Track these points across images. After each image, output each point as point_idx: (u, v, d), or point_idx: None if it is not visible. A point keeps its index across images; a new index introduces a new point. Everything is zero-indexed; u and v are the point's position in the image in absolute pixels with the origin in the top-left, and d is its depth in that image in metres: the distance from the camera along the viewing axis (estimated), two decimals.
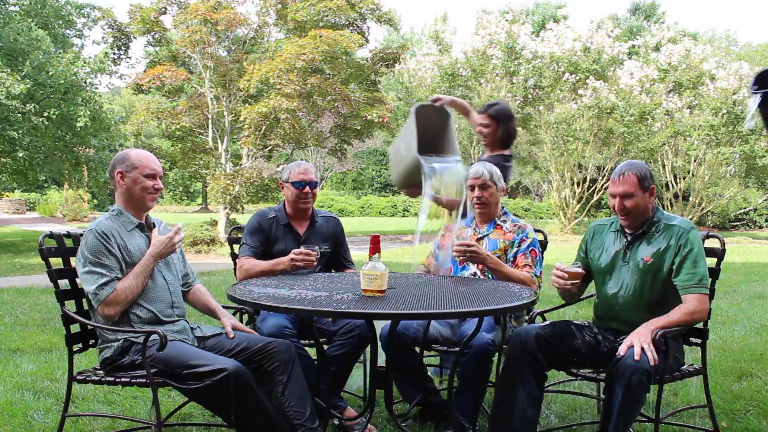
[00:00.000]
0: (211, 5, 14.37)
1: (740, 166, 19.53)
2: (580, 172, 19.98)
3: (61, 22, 15.55)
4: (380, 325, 2.98)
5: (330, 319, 3.06)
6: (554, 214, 21.94)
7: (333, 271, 3.44)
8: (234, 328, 2.74)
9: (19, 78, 11.94)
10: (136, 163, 2.65)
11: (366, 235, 14.89)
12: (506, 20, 18.76)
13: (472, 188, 3.23)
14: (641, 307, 2.71)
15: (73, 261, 2.76)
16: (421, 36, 36.00)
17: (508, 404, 2.62)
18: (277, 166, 18.04)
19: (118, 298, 2.51)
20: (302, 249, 3.10)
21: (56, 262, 2.68)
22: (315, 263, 3.11)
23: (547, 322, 2.86)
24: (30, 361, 4.27)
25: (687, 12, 79.93)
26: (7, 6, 14.62)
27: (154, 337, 2.43)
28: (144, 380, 2.45)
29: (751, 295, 7.65)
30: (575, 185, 19.75)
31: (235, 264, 3.48)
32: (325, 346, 2.98)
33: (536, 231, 3.35)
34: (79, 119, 12.77)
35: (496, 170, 3.25)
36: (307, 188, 3.30)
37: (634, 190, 2.67)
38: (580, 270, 2.78)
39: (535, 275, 3.12)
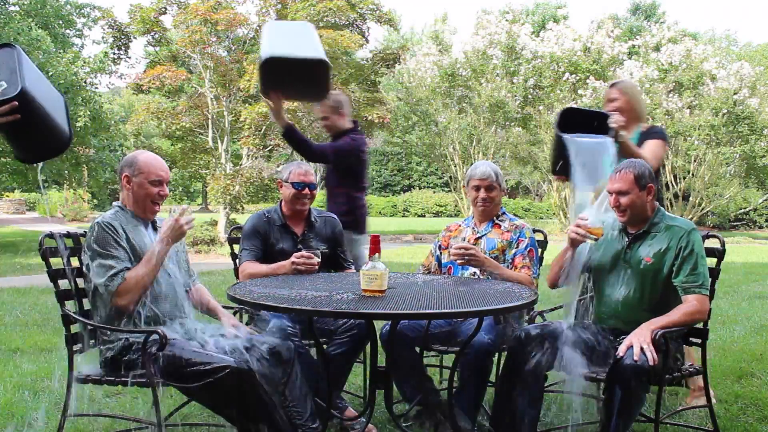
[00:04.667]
0: (211, 5, 14.38)
1: (740, 166, 19.52)
2: None
3: (61, 22, 15.54)
4: (380, 325, 2.98)
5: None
6: (554, 214, 21.93)
7: (333, 271, 3.44)
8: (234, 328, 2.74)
9: None
10: (143, 168, 2.64)
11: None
12: (506, 20, 18.73)
13: (477, 189, 3.23)
14: (641, 307, 2.72)
15: (74, 261, 2.75)
16: (421, 36, 35.98)
17: (508, 404, 2.63)
18: (277, 166, 18.04)
19: (129, 287, 2.48)
20: (303, 252, 3.10)
21: (56, 262, 2.67)
22: (317, 268, 3.11)
23: (547, 322, 2.86)
24: (30, 361, 4.27)
25: (687, 12, 79.98)
26: (7, 6, 14.62)
27: (154, 336, 2.42)
28: (144, 380, 2.45)
29: (751, 295, 7.65)
30: None
31: (235, 264, 3.49)
32: (325, 346, 2.98)
33: (536, 231, 3.35)
34: (78, 119, 12.77)
35: (500, 170, 3.26)
36: (306, 190, 3.30)
37: (629, 187, 2.70)
38: (600, 229, 2.69)
39: (534, 276, 3.12)
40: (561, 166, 3.21)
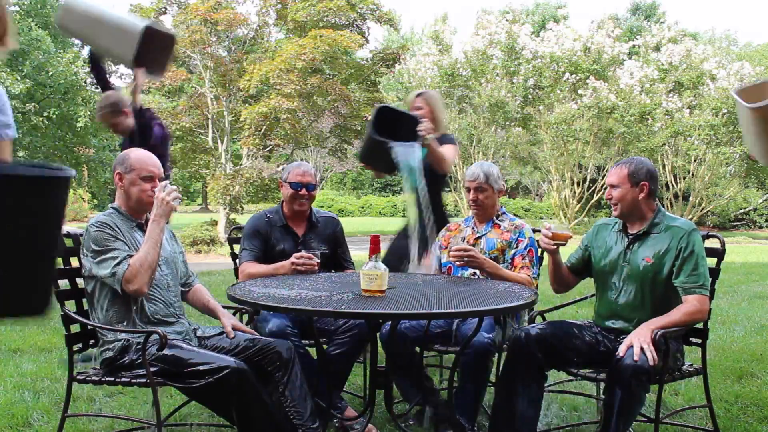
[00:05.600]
0: (211, 5, 14.37)
1: (740, 166, 19.53)
2: (580, 172, 19.98)
3: None
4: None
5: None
6: (554, 214, 21.94)
7: (333, 271, 3.44)
8: (234, 328, 2.74)
9: (19, 78, 11.95)
10: (134, 165, 2.64)
11: (366, 235, 14.86)
12: (506, 20, 18.74)
13: (468, 190, 3.24)
14: (641, 308, 2.72)
15: (73, 261, 2.75)
16: (421, 36, 35.97)
17: (508, 404, 2.63)
18: (277, 166, 18.05)
19: (136, 269, 2.47)
20: (303, 253, 3.10)
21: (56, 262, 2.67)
22: (316, 268, 3.11)
23: (547, 322, 2.86)
24: (30, 361, 4.27)
25: (687, 12, 79.97)
26: (7, 6, 14.60)
27: (154, 336, 2.42)
28: (144, 380, 2.45)
29: (751, 295, 7.64)
30: (575, 185, 19.75)
31: (235, 264, 3.49)
32: (325, 346, 2.98)
33: (536, 231, 3.35)
34: (79, 119, 12.79)
35: (494, 171, 3.24)
36: (304, 190, 3.29)
37: (620, 182, 2.73)
38: (567, 233, 2.79)
39: (534, 276, 3.12)
40: (368, 158, 3.74)
